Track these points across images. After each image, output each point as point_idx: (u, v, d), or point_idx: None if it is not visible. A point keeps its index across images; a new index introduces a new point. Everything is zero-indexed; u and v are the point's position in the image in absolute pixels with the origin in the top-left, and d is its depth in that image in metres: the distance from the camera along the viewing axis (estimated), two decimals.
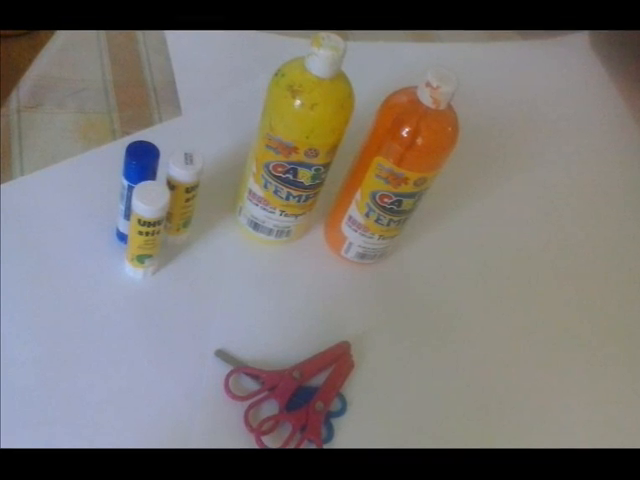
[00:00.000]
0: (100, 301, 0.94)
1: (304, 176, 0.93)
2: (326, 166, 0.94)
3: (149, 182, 0.88)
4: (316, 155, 0.90)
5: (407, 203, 0.96)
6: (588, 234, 1.24)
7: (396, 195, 0.94)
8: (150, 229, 0.88)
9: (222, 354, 0.93)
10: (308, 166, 0.92)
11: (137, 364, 0.91)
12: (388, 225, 0.99)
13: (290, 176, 0.93)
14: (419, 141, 0.89)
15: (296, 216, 1.00)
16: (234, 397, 0.90)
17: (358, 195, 0.97)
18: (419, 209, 1.00)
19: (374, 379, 0.97)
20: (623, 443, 1.00)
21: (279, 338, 0.97)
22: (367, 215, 0.98)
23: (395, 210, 0.96)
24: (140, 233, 0.89)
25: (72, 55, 1.21)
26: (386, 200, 0.95)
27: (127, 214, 0.92)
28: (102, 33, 1.25)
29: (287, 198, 0.96)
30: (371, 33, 1.37)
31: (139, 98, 1.18)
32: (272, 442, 0.88)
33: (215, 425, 0.89)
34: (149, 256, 0.94)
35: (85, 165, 1.06)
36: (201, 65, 1.26)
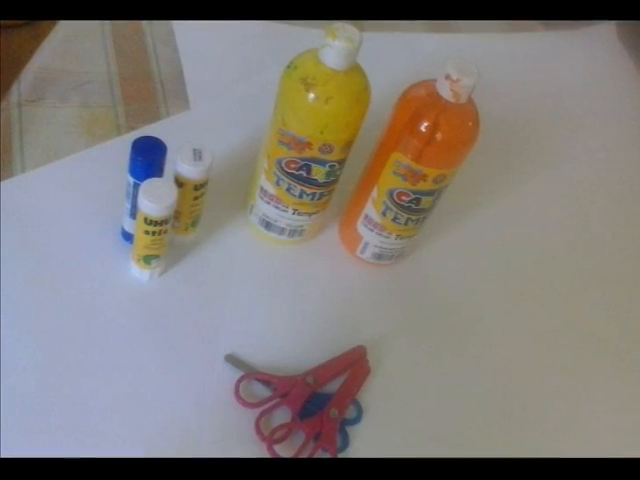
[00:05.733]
0: (105, 303, 0.94)
1: (318, 173, 0.93)
2: (341, 162, 0.94)
3: (156, 179, 0.88)
4: (330, 151, 0.90)
5: (426, 201, 0.95)
6: (615, 234, 1.23)
7: (414, 193, 0.94)
8: (157, 228, 0.88)
9: (232, 359, 0.93)
10: (322, 162, 0.92)
11: (143, 369, 0.91)
12: (406, 224, 0.99)
13: (303, 173, 0.93)
14: (438, 136, 0.88)
15: (309, 215, 1.00)
16: (245, 404, 0.90)
17: (374, 193, 0.97)
18: (438, 207, 0.99)
19: (391, 385, 0.97)
20: None
21: (292, 342, 0.97)
22: (384, 214, 0.98)
23: (413, 208, 0.96)
24: (146, 232, 0.89)
25: (75, 46, 1.22)
26: (404, 198, 0.95)
27: (133, 213, 0.92)
28: (107, 23, 1.25)
29: (300, 196, 0.96)
30: (388, 23, 1.36)
31: (145, 91, 1.18)
32: (284, 451, 0.87)
33: (225, 433, 0.88)
34: (156, 256, 0.94)
35: (89, 161, 1.06)
36: (210, 57, 1.25)
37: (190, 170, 0.89)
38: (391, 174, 0.93)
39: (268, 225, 1.02)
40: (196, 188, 0.92)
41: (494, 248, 1.15)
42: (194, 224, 0.99)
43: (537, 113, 1.36)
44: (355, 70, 0.87)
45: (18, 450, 0.81)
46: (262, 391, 0.92)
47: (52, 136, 1.08)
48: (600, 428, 1.01)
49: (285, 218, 1.00)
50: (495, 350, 1.04)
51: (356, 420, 0.92)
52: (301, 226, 1.02)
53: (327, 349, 0.96)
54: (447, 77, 0.85)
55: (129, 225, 0.95)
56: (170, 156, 0.90)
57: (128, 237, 0.97)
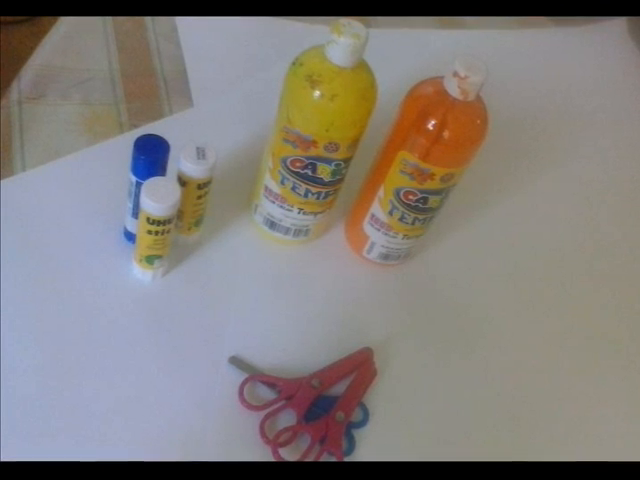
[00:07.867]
0: (106, 304, 0.94)
1: (324, 172, 0.93)
2: (347, 161, 0.94)
3: (159, 178, 0.88)
4: (336, 149, 0.90)
5: (433, 200, 0.95)
6: (626, 233, 1.23)
7: (421, 192, 0.94)
8: (160, 228, 0.88)
9: (236, 361, 0.93)
10: (328, 161, 0.92)
11: (146, 371, 0.91)
12: (413, 224, 0.98)
13: (309, 172, 0.93)
14: (446, 134, 0.88)
15: (315, 214, 1.00)
16: (249, 406, 0.90)
17: (381, 192, 0.97)
18: (446, 207, 0.99)
19: (398, 388, 0.97)
20: None
21: (297, 344, 0.97)
22: (391, 213, 0.97)
23: (420, 208, 0.96)
24: (149, 232, 0.89)
25: (77, 43, 1.22)
26: (411, 197, 0.94)
27: (135, 212, 0.92)
28: (109, 19, 1.25)
29: (305, 195, 0.96)
30: (395, 19, 1.36)
31: (148, 89, 1.18)
32: (289, 454, 0.87)
33: (229, 436, 0.88)
34: (159, 257, 0.93)
35: (90, 160, 1.06)
36: (214, 53, 1.25)
37: (193, 169, 0.89)
38: (398, 173, 0.93)
39: (273, 225, 1.02)
40: (199, 187, 0.92)
41: (502, 248, 1.15)
42: (197, 224, 0.99)
43: (546, 110, 1.36)
44: (361, 67, 0.87)
45: (19, 454, 0.82)
46: (267, 394, 0.92)
47: (53, 134, 1.08)
48: (611, 431, 1.00)
49: (290, 218, 1.00)
50: (504, 352, 1.04)
51: (362, 423, 0.92)
52: (306, 226, 1.02)
53: (333, 351, 0.96)
54: (455, 74, 0.85)
55: (131, 225, 0.95)
56: (173, 154, 0.90)
57: (130, 237, 0.97)
